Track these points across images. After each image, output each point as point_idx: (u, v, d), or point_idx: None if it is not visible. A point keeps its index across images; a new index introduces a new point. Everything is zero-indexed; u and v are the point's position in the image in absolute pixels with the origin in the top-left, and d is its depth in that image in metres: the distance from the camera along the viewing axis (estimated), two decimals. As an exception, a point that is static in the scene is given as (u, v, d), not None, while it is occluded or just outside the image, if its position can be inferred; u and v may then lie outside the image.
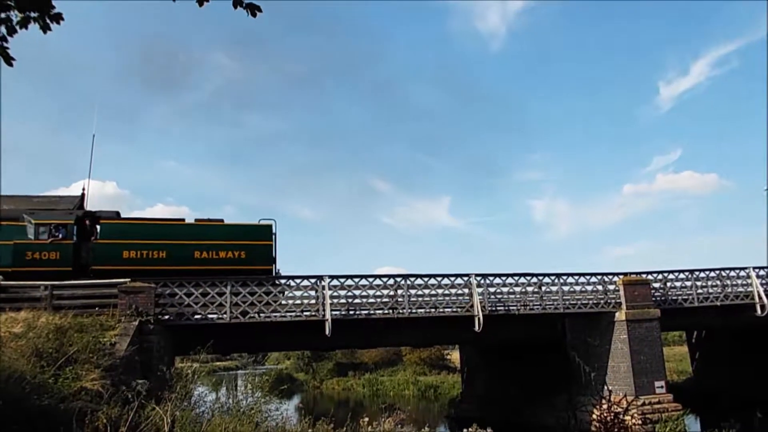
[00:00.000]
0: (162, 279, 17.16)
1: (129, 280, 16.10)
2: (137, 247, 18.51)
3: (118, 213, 19.62)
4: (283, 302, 17.81)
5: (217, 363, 64.37)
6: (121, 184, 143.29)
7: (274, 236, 19.85)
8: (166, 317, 16.65)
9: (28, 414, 7.98)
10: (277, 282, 18.33)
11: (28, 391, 8.60)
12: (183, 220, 19.87)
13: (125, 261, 18.27)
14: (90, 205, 23.49)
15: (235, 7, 5.32)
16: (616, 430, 18.68)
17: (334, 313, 17.77)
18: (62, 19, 5.14)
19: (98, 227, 18.77)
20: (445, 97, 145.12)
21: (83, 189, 24.69)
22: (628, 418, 18.93)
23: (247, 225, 20.17)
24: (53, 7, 5.06)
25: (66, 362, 10.73)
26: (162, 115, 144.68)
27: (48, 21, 5.09)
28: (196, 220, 19.93)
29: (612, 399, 19.78)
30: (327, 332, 17.38)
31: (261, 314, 17.52)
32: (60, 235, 18.04)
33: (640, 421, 18.81)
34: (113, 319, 14.80)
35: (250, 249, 19.43)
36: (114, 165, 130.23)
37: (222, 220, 20.04)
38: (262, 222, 20.03)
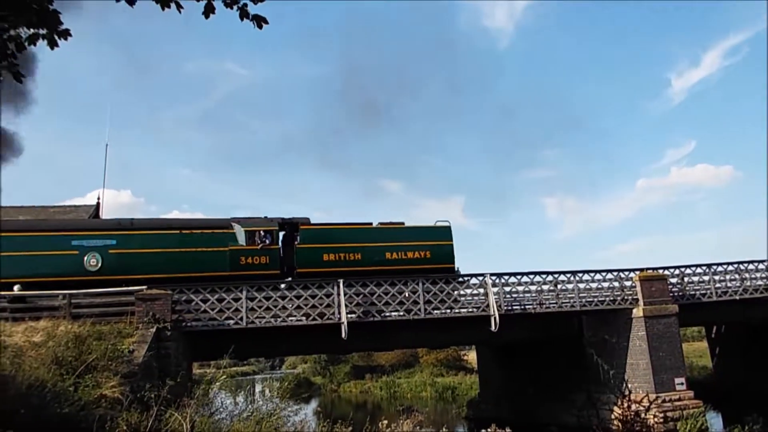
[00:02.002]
0: (360, 279, 18.75)
1: (145, 287, 16.14)
2: (335, 250, 19.83)
3: (308, 219, 20.69)
4: (301, 306, 17.83)
5: (234, 368, 64.56)
6: (135, 192, 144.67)
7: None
8: (183, 323, 16.72)
9: (50, 422, 8.05)
10: (294, 285, 18.32)
11: (49, 399, 8.68)
12: (371, 223, 20.95)
13: (325, 263, 19.60)
14: (105, 214, 23.71)
15: (242, 19, 5.33)
16: (637, 428, 18.50)
17: (349, 315, 17.75)
18: (70, 35, 5.16)
19: (298, 233, 19.97)
20: (452, 96, 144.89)
21: (98, 198, 24.97)
22: (649, 416, 18.74)
23: (429, 227, 21.27)
24: (61, 23, 5.09)
25: (85, 370, 10.80)
26: (175, 122, 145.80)
27: (56, 37, 5.13)
28: (379, 223, 21.06)
29: (632, 397, 19.59)
30: (343, 335, 17.37)
31: (277, 319, 17.55)
32: (267, 241, 19.32)
33: (661, 419, 18.61)
34: (131, 326, 14.86)
35: (433, 249, 20.65)
36: (129, 173, 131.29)
37: (402, 223, 21.27)
38: (439, 224, 21.20)
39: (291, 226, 20.11)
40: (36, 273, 16.92)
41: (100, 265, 17.71)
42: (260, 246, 19.07)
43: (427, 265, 20.26)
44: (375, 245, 20.24)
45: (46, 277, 16.76)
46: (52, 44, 5.12)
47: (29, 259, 17.13)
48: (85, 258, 17.67)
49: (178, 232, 18.87)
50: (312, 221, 20.53)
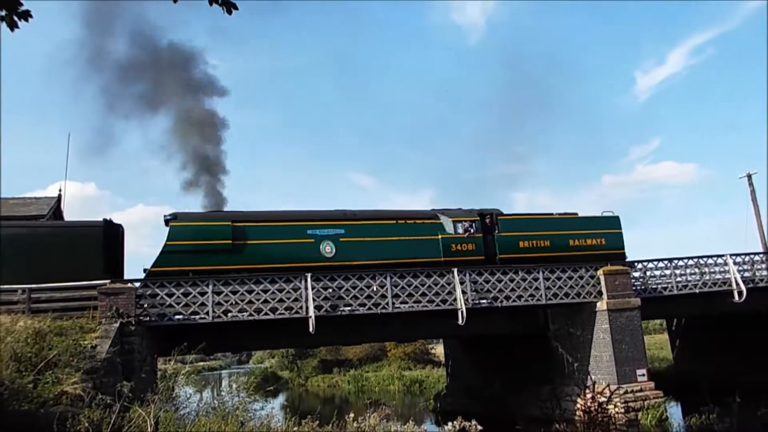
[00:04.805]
0: (554, 264, 20.65)
1: (108, 281, 15.82)
2: (529, 237, 21.91)
3: (500, 210, 22.55)
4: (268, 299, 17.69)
5: (201, 363, 63.90)
6: (100, 184, 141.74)
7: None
8: (148, 318, 16.44)
9: (8, 420, 7.86)
10: (261, 279, 18.16)
11: (7, 397, 8.46)
12: (552, 214, 23.01)
13: (521, 250, 21.59)
14: (68, 207, 23.14)
15: (211, 5, 5.28)
16: (599, 418, 18.85)
17: (317, 310, 17.68)
18: (31, 16, 5.03)
19: (497, 222, 21.90)
20: (425, 91, 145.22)
21: (60, 190, 24.33)
22: (611, 406, 19.10)
23: (601, 217, 23.33)
24: (21, 5, 4.95)
25: (46, 366, 10.55)
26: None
27: (15, 18, 4.98)
28: (557, 214, 23.08)
29: (596, 388, 19.95)
30: (311, 329, 17.31)
31: (243, 313, 17.37)
32: (472, 230, 21.34)
33: (623, 410, 19.00)
34: (93, 321, 14.57)
35: (607, 237, 22.75)
36: (92, 165, 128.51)
37: (576, 213, 23.23)
38: (606, 213, 23.28)
39: (490, 216, 22.04)
40: (281, 259, 18.80)
41: (334, 252, 19.72)
42: (467, 234, 21.11)
43: (602, 251, 22.18)
44: (560, 233, 22.23)
45: (289, 263, 18.59)
46: (12, 26, 4.98)
47: (272, 247, 19.07)
48: (321, 246, 19.67)
49: (395, 222, 20.87)
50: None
